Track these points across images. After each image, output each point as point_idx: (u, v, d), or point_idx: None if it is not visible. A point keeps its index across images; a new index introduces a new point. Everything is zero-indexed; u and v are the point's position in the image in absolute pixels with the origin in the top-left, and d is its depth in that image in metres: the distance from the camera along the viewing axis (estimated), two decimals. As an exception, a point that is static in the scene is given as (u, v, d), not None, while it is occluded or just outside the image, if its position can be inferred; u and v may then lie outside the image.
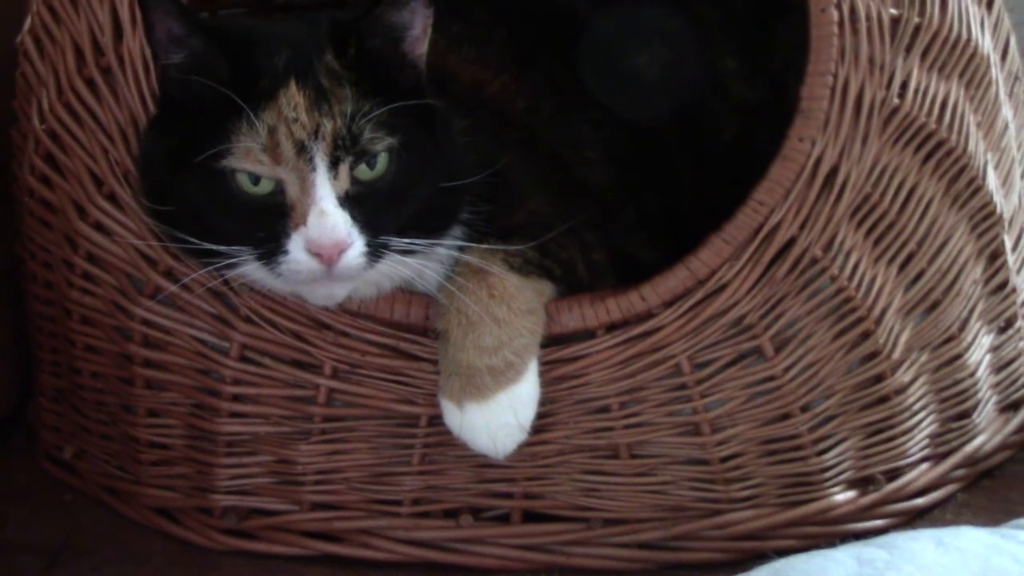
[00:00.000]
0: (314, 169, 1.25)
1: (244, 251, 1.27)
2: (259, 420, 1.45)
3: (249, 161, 1.25)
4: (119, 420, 1.52)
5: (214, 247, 1.27)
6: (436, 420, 1.41)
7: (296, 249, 1.25)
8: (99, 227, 1.45)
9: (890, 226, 1.43)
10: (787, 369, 1.43)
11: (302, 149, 1.25)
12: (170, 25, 1.26)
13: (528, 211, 1.43)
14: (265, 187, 1.26)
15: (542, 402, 1.39)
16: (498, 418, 1.35)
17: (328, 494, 1.47)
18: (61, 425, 1.62)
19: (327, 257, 1.24)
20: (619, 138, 1.59)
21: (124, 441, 1.53)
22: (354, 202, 1.26)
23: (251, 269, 1.29)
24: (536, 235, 1.37)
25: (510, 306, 1.34)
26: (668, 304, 1.39)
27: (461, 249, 1.36)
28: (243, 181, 1.26)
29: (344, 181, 1.26)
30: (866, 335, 1.44)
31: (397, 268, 1.31)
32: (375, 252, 1.27)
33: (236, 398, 1.45)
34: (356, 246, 1.25)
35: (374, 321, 1.40)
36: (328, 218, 1.24)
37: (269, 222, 1.26)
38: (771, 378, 1.43)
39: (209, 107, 1.26)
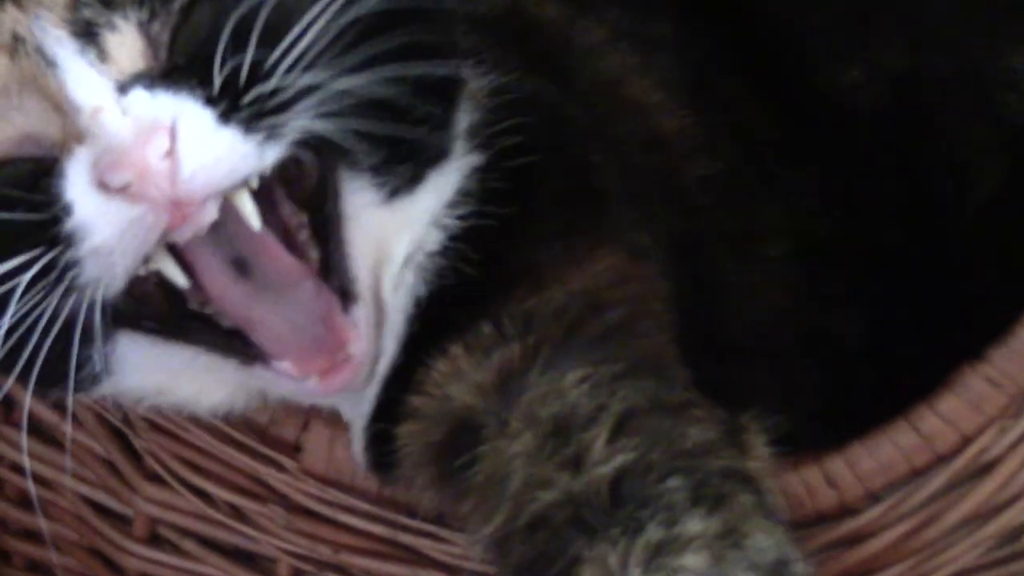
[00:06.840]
0: (53, 63, 0.64)
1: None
2: (182, 651, 0.87)
3: None
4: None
5: None
6: None
7: (82, 196, 0.63)
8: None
9: None
10: None
11: (18, 43, 0.65)
12: None
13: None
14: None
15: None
16: None
17: None
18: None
19: (139, 167, 0.62)
20: (806, 207, 0.94)
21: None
22: (175, 65, 0.65)
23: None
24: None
25: None
26: (877, 495, 0.74)
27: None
28: None
29: (132, 51, 0.65)
30: None
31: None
32: (251, 119, 0.63)
33: (146, 607, 0.87)
34: (196, 119, 0.63)
35: (351, 492, 0.79)
36: (108, 113, 0.63)
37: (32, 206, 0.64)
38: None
39: None
